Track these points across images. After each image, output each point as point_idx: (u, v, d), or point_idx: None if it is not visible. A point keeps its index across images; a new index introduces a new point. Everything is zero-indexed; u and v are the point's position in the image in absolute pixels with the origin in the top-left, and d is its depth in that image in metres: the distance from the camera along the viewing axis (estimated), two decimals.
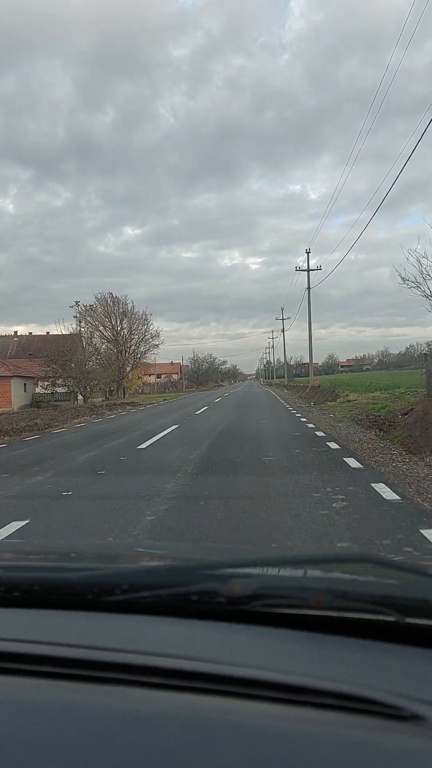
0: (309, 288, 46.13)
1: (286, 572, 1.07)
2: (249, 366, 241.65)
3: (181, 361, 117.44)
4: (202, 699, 0.70)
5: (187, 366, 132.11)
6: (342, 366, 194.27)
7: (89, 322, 65.45)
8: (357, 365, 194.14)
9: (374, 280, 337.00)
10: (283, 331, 70.93)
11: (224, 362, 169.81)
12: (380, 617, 0.86)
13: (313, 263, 45.06)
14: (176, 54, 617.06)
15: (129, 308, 70.41)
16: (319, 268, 46.41)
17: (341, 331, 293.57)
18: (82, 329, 56.43)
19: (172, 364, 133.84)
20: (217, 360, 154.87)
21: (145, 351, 72.37)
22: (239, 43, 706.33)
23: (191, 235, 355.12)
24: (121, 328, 71.09)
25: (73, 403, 51.24)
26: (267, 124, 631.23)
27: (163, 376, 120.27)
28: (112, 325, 70.50)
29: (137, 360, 70.56)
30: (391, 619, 0.85)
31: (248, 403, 29.97)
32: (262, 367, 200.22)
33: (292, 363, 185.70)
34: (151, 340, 72.61)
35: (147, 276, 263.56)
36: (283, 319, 73.37)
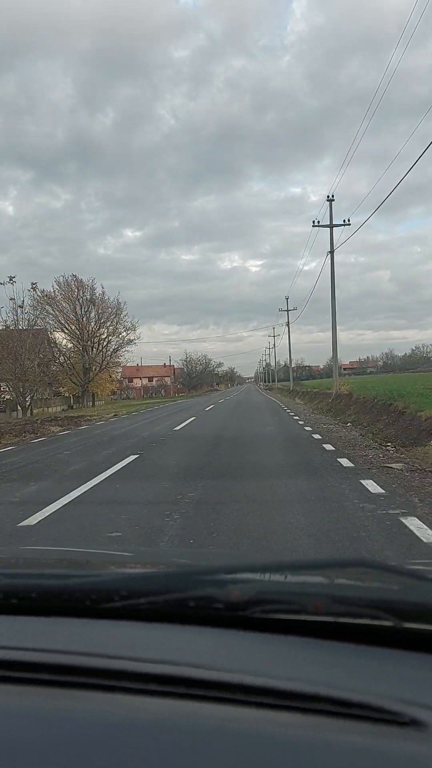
0: (332, 251, 30.98)
1: (284, 577, 1.05)
2: (248, 369, 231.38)
3: (169, 361, 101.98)
4: (200, 706, 0.69)
5: (182, 368, 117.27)
6: (345, 369, 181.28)
7: (48, 312, 49.89)
8: (360, 368, 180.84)
9: (374, 282, 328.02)
10: (288, 324, 55.36)
11: (220, 364, 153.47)
12: (378, 622, 0.84)
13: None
14: (177, 55, 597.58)
15: (98, 295, 54.52)
16: (347, 223, 31.75)
17: (340, 334, 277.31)
18: (22, 319, 40.03)
19: (165, 366, 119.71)
20: (212, 361, 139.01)
21: (116, 348, 56.51)
22: (241, 44, 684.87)
23: (191, 238, 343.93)
24: (88, 321, 55.32)
25: (9, 415, 36.75)
26: (268, 126, 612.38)
27: (155, 379, 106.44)
28: (77, 315, 54.78)
29: (106, 359, 54.81)
30: (389, 624, 0.84)
31: (240, 434, 14.54)
32: (261, 370, 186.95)
33: (293, 366, 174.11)
34: (125, 334, 56.85)
35: (146, 278, 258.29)
36: (288, 310, 57.91)
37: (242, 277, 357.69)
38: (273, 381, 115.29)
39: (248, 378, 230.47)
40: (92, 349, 54.84)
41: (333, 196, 31.73)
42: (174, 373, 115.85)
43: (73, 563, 1.43)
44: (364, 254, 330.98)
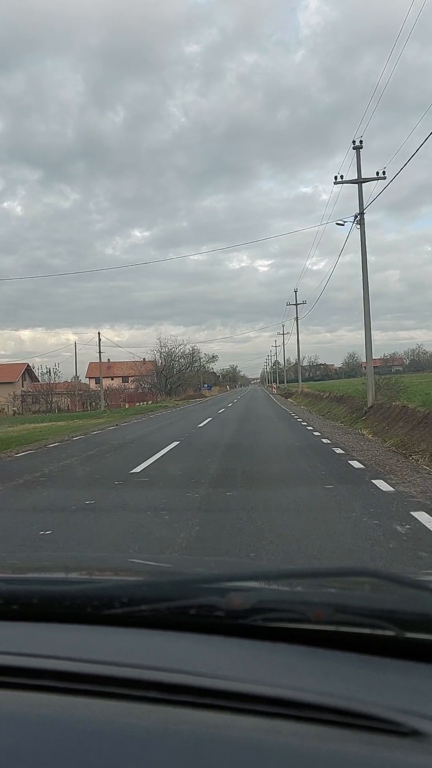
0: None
1: (286, 586, 1.05)
2: (255, 370, 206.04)
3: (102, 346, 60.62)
4: (201, 714, 0.70)
5: (163, 364, 78.65)
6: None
7: None
8: (385, 366, 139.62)
9: (383, 282, 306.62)
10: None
11: (213, 357, 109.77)
12: (380, 632, 0.86)
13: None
14: (189, 51, 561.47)
15: None
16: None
17: (348, 335, 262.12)
18: None
19: (144, 362, 78.59)
20: (202, 355, 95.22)
21: None
22: (253, 39, 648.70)
23: (199, 238, 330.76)
24: None
25: None
26: (279, 124, 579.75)
27: (131, 380, 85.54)
28: None
29: None
30: (390, 633, 0.85)
31: None
32: (268, 369, 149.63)
33: (305, 364, 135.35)
34: None
35: (154, 279, 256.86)
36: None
37: (250, 278, 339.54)
38: (293, 381, 70.99)
39: (254, 378, 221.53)
40: None
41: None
42: (157, 371, 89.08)
43: (74, 570, 1.45)
44: (374, 254, 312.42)
